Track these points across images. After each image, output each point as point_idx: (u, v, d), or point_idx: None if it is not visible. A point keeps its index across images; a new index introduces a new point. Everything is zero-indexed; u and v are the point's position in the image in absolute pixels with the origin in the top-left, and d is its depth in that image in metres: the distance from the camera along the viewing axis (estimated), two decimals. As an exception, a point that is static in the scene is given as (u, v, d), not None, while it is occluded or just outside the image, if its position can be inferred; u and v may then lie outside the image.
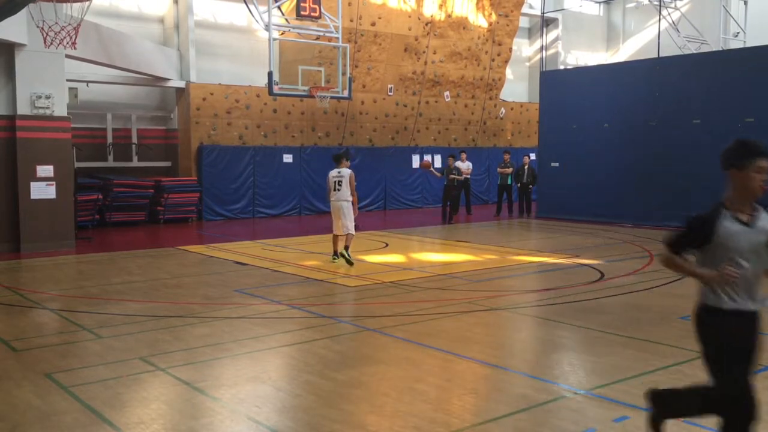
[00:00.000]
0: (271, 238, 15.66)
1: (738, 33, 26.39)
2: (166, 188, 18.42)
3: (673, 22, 24.37)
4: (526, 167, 19.85)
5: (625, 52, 29.47)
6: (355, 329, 7.69)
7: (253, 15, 16.02)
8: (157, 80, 19.02)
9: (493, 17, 23.92)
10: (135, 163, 19.45)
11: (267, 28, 15.42)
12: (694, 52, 22.96)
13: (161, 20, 20.03)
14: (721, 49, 23.38)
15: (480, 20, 23.65)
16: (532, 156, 21.34)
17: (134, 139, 19.46)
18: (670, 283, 10.16)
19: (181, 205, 18.76)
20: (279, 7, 16.54)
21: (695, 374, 6.04)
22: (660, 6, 19.60)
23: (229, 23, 20.97)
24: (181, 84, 19.37)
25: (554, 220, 18.86)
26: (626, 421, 4.99)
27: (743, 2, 27.06)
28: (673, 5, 25.33)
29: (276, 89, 15.78)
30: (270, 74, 15.36)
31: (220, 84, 19.78)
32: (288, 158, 20.57)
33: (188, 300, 9.20)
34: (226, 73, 20.65)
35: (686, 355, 6.59)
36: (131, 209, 18.10)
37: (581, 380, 6.02)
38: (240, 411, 5.29)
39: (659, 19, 19.26)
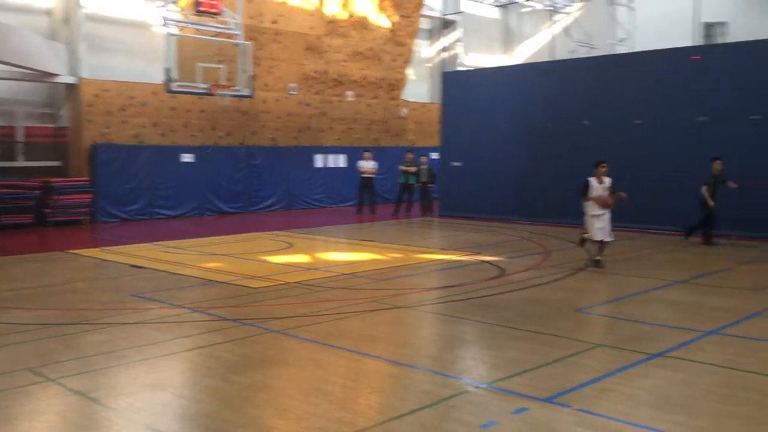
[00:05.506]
0: (170, 239, 15.17)
1: (624, 38, 27.91)
2: (56, 189, 17.51)
3: (565, 27, 25.44)
4: (424, 167, 20.08)
5: (521, 54, 30.49)
6: (259, 331, 7.56)
7: (146, 8, 15.48)
8: (44, 75, 18.03)
9: (395, 18, 24.16)
10: (21, 162, 18.38)
11: (165, 23, 14.94)
12: (584, 55, 24.05)
13: (49, 13, 18.99)
14: (609, 53, 24.58)
15: (382, 21, 23.83)
16: (434, 156, 21.67)
17: (20, 137, 18.38)
18: (565, 277, 10.58)
19: (71, 206, 17.87)
20: (175, 2, 16.06)
21: (592, 365, 6.32)
22: (552, 11, 20.38)
23: (124, 17, 20.13)
24: (72, 80, 18.45)
25: (456, 219, 19.23)
26: (525, 413, 5.15)
27: (630, 9, 28.67)
28: (564, 11, 26.45)
29: (174, 86, 15.33)
30: (167, 71, 14.89)
31: (114, 80, 18.99)
32: (188, 157, 19.99)
33: (81, 306, 8.78)
34: (121, 69, 19.81)
35: (582, 346, 6.88)
36: (16, 211, 17.12)
37: (482, 374, 6.17)
38: (138, 420, 5.09)
39: (551, 24, 20.03)
